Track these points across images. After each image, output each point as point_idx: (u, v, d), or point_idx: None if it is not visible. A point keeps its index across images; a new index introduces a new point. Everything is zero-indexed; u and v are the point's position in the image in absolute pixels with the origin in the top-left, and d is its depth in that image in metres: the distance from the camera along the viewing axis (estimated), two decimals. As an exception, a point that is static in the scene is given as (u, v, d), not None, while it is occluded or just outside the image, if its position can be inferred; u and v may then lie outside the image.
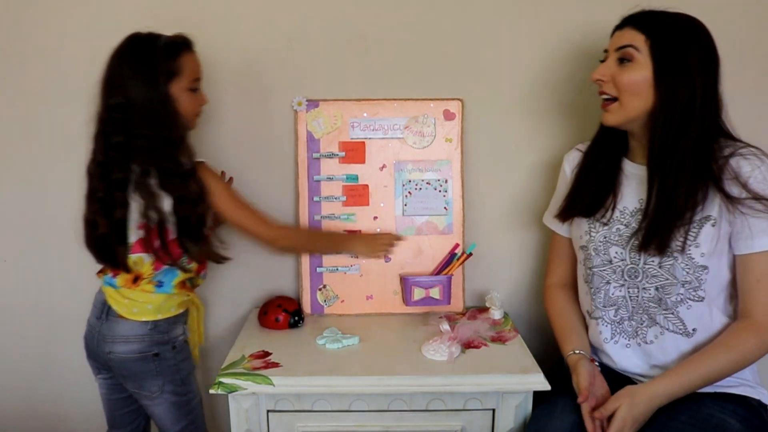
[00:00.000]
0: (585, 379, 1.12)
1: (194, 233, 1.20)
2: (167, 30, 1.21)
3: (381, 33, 1.44)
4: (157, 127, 1.14)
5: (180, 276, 1.25)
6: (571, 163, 1.32)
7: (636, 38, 1.10)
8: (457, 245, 1.49)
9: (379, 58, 1.45)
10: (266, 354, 1.26)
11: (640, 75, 1.09)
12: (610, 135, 1.21)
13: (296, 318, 1.40)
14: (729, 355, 1.08)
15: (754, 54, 1.42)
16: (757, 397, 1.14)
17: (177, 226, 1.19)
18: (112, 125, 1.14)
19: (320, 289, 1.49)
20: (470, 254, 1.46)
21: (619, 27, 1.15)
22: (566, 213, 1.28)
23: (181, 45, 1.19)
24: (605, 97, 1.16)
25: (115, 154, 1.15)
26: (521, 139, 1.49)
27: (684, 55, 1.08)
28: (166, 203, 1.17)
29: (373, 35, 1.44)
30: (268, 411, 1.20)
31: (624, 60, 1.11)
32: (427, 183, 1.48)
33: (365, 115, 1.47)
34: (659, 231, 1.10)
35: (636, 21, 1.12)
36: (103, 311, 1.24)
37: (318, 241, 1.43)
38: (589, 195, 1.22)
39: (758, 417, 1.12)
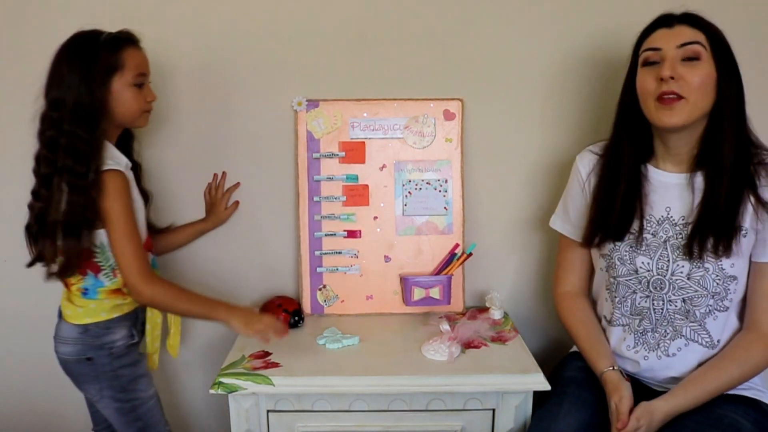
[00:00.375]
0: (627, 403, 1.08)
1: (73, 234, 1.14)
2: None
3: (381, 33, 1.44)
4: (81, 126, 1.12)
5: (108, 286, 1.21)
6: (586, 166, 1.25)
7: (698, 36, 1.07)
8: (457, 245, 1.49)
9: (379, 58, 1.45)
10: (266, 354, 1.26)
11: (708, 72, 1.06)
12: (630, 141, 1.16)
13: (296, 318, 1.40)
14: (740, 370, 1.10)
15: (757, 55, 1.42)
16: (767, 401, 1.15)
17: (63, 224, 1.13)
18: (49, 121, 1.14)
19: (320, 289, 1.49)
20: (470, 254, 1.46)
21: (667, 25, 1.10)
22: (594, 237, 1.20)
23: (123, 40, 1.17)
24: (669, 96, 1.07)
25: (46, 150, 1.15)
26: (521, 139, 1.49)
27: (732, 57, 1.08)
28: (65, 202, 1.13)
29: (373, 35, 1.44)
30: (268, 411, 1.20)
31: (691, 58, 1.06)
32: (427, 183, 1.48)
33: (365, 115, 1.47)
34: (714, 235, 1.09)
35: (691, 20, 1.09)
36: (59, 311, 1.27)
37: (189, 305, 1.22)
38: (617, 216, 1.16)
39: None
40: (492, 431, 1.21)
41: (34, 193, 1.19)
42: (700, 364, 1.14)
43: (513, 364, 1.22)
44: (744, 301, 1.15)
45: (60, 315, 1.26)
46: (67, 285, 1.23)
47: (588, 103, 1.46)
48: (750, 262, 1.13)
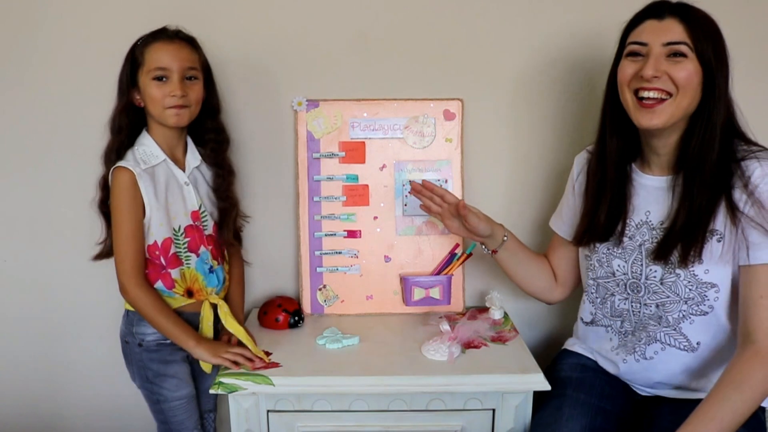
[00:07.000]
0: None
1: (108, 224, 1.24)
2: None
3: (381, 33, 1.44)
4: (113, 125, 1.22)
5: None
6: (579, 165, 1.26)
7: (685, 36, 1.02)
8: (457, 245, 1.49)
9: (379, 58, 1.45)
10: (266, 354, 1.26)
11: (694, 70, 1.02)
12: (616, 138, 1.14)
13: (296, 318, 1.40)
14: (740, 395, 0.97)
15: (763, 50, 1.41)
16: (763, 405, 1.12)
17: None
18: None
19: (320, 289, 1.49)
20: (470, 254, 1.46)
21: (657, 16, 1.05)
22: (584, 238, 1.20)
23: (151, 37, 1.20)
24: (654, 95, 1.04)
25: None
26: (521, 139, 1.49)
27: (719, 53, 1.03)
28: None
29: (373, 35, 1.44)
30: (268, 411, 1.20)
31: (677, 54, 1.02)
32: (427, 183, 1.48)
33: (365, 115, 1.47)
34: (682, 241, 1.05)
35: (682, 12, 1.04)
36: None
37: (166, 323, 1.21)
38: (606, 218, 1.15)
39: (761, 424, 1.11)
40: (492, 431, 1.21)
41: None
42: (685, 368, 1.13)
43: (513, 364, 1.22)
44: (733, 305, 1.07)
45: None
46: None
47: (588, 103, 1.46)
48: (739, 268, 1.04)
